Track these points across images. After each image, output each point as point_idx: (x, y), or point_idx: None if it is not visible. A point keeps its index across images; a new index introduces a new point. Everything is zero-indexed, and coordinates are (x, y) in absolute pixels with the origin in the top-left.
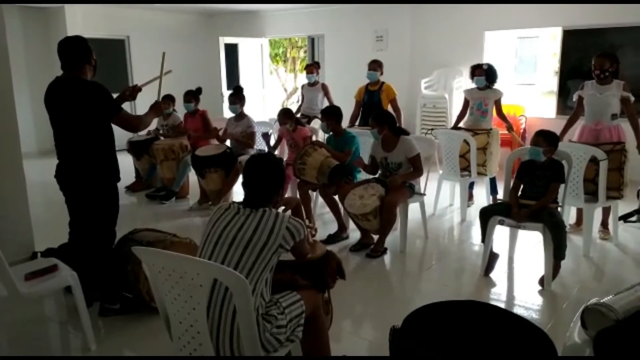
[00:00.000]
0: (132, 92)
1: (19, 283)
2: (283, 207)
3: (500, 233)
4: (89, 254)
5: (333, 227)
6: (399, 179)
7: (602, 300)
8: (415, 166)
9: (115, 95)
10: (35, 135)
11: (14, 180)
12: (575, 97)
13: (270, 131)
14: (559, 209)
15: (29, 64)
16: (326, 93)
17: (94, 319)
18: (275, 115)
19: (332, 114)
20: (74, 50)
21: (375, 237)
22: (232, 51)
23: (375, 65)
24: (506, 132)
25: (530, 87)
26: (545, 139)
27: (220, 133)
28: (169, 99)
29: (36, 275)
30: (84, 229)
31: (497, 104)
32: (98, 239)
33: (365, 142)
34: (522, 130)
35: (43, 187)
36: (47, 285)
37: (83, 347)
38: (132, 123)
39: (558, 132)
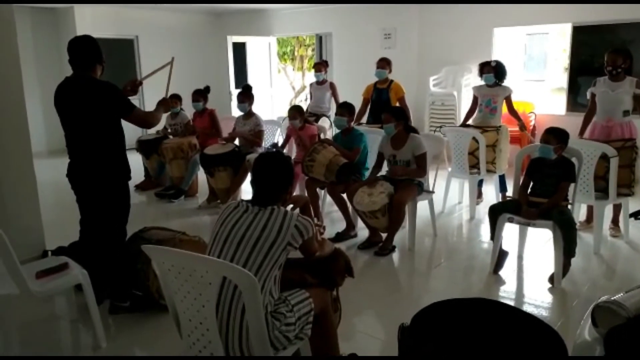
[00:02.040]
0: (133, 87)
1: (30, 281)
2: (291, 205)
3: (510, 231)
4: (100, 252)
5: (341, 225)
6: (400, 170)
7: (612, 298)
8: (420, 165)
9: None
10: (46, 135)
11: (25, 180)
12: (588, 95)
13: (278, 131)
14: (569, 206)
15: (39, 64)
16: (333, 92)
17: (104, 316)
18: (283, 114)
19: (352, 111)
20: (85, 49)
21: (384, 235)
22: (240, 50)
23: (384, 63)
24: (516, 129)
25: (540, 83)
26: (556, 136)
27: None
28: (176, 98)
29: (47, 273)
30: (95, 228)
31: (508, 101)
32: (109, 237)
33: (374, 140)
34: (531, 127)
35: (53, 186)
36: (58, 283)
37: (94, 345)
38: (146, 120)
39: (568, 129)
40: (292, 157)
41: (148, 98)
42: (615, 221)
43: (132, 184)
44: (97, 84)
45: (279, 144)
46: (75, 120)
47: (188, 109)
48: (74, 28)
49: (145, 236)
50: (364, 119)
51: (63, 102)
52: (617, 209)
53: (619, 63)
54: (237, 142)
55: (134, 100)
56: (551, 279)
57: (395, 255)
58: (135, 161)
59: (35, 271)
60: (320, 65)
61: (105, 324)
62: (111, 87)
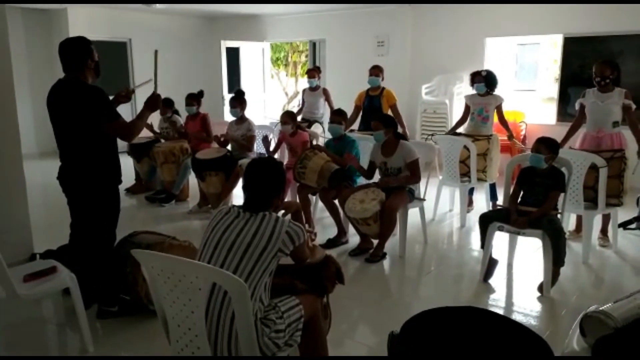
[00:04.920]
0: (127, 94)
1: (18, 284)
2: (283, 211)
3: (500, 239)
4: (89, 255)
5: (333, 232)
6: (390, 182)
7: (601, 308)
8: (412, 171)
9: (110, 98)
10: (36, 137)
11: (14, 182)
12: (577, 105)
13: (271, 136)
14: (559, 215)
15: (30, 65)
16: (327, 98)
17: (92, 321)
18: (275, 119)
19: (346, 117)
20: (73, 52)
21: (375, 241)
22: (233, 55)
23: (377, 71)
24: (506, 138)
25: (531, 93)
26: (547, 146)
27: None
28: (168, 103)
29: (35, 276)
30: (85, 231)
31: (499, 110)
32: (98, 240)
33: (365, 147)
34: (522, 137)
35: (43, 189)
36: (46, 286)
37: (81, 349)
38: (129, 129)
39: (558, 139)
40: (284, 163)
41: (140, 103)
42: (604, 231)
43: (122, 187)
44: (83, 87)
45: (270, 138)
46: (65, 123)
47: (182, 114)
48: (67, 29)
49: (135, 240)
50: (356, 126)
51: (53, 105)
52: (606, 218)
53: (606, 74)
54: (229, 147)
55: (127, 106)
56: (540, 288)
57: (386, 262)
58: (126, 164)
59: (23, 274)
60: (314, 72)
61: (93, 329)
62: (97, 92)
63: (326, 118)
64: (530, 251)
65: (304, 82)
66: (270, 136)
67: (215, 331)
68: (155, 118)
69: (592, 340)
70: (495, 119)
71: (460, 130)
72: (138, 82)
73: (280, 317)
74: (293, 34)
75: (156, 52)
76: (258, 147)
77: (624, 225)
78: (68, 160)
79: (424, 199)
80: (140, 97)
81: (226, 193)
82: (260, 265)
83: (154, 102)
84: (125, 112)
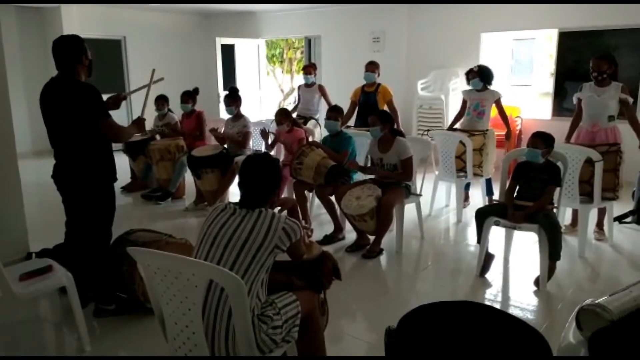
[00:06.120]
0: (116, 101)
1: (14, 283)
2: (279, 208)
3: (496, 234)
4: (85, 254)
5: (329, 228)
6: (382, 174)
7: (597, 301)
8: (404, 168)
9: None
10: (31, 135)
11: (9, 181)
12: (575, 100)
13: (269, 128)
14: (555, 210)
15: (24, 64)
16: (323, 94)
17: (89, 319)
18: (271, 116)
19: (342, 114)
20: (66, 50)
21: (372, 237)
22: (228, 52)
23: (373, 67)
24: (502, 132)
25: (526, 88)
26: (543, 140)
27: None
28: (163, 99)
29: (31, 275)
30: (80, 229)
31: (498, 105)
32: (94, 239)
33: (361, 143)
34: (517, 132)
35: (38, 188)
36: (42, 285)
37: (78, 347)
38: (116, 132)
39: (554, 134)
40: (280, 160)
41: (136, 105)
42: (599, 225)
43: (118, 185)
44: (76, 85)
45: (268, 130)
46: (59, 121)
47: (176, 111)
48: (61, 28)
49: (131, 238)
50: (352, 122)
51: (47, 103)
52: (601, 212)
53: (604, 69)
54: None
55: (119, 112)
56: (536, 282)
57: (382, 258)
58: (122, 163)
59: (19, 273)
60: (310, 68)
61: (89, 327)
62: (90, 90)
63: (322, 114)
64: (526, 245)
65: (299, 79)
66: (268, 128)
67: (212, 328)
68: (150, 115)
69: (589, 334)
70: (493, 112)
71: (456, 125)
72: (132, 80)
73: (277, 314)
74: (288, 30)
75: (153, 70)
76: (254, 144)
77: (620, 219)
78: (62, 158)
79: (420, 195)
80: (135, 101)
81: (222, 190)
82: (257, 262)
83: (139, 124)
84: (120, 116)
